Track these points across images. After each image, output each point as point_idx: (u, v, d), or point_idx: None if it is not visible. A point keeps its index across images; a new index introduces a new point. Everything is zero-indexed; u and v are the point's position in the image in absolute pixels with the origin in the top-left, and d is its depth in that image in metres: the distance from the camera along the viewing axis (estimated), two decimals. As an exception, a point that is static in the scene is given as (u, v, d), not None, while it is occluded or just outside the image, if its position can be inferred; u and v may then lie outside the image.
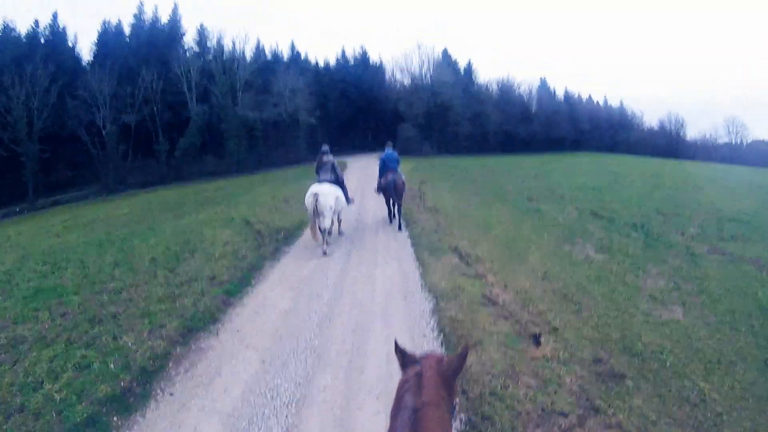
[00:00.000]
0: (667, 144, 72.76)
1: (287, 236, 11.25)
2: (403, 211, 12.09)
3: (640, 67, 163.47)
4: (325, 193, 9.39)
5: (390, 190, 11.24)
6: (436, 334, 5.96)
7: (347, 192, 10.88)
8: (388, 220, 12.31)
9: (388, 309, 6.81)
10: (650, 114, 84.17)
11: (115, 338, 5.68)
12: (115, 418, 4.25)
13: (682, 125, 77.14)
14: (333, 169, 10.46)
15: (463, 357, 1.85)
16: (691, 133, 78.73)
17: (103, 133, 35.80)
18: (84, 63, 41.06)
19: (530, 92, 67.48)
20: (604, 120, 74.21)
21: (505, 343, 5.62)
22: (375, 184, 12.30)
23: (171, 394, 4.65)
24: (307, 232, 10.39)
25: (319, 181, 10.09)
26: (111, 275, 8.47)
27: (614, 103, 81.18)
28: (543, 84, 70.00)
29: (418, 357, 1.87)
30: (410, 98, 53.61)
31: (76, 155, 36.44)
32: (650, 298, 7.56)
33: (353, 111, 55.66)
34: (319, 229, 9.56)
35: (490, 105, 59.14)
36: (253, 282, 8.18)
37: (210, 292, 7.42)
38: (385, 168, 11.62)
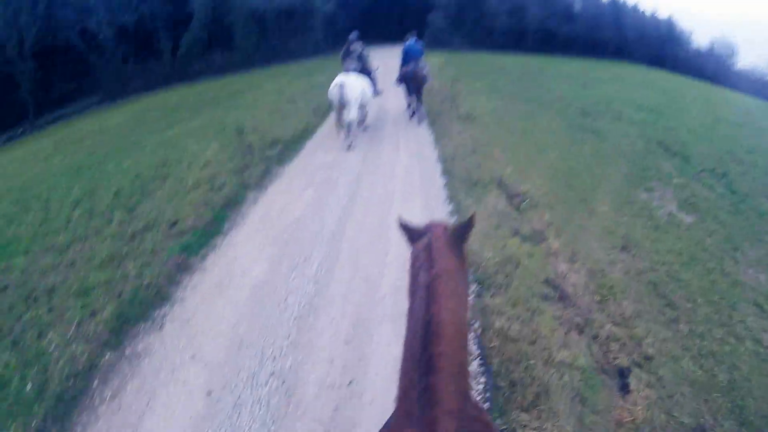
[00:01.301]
0: (715, 69, 65.94)
1: (282, 152, 8.94)
2: (432, 118, 10.90)
3: None
4: (351, 83, 8.70)
5: (411, 80, 10.42)
6: (478, 367, 3.63)
7: (376, 83, 10.35)
8: (408, 116, 11.25)
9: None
10: (699, 35, 75.43)
11: (40, 335, 4.34)
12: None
13: (733, 52, 70.41)
14: (361, 58, 9.97)
15: (470, 224, 1.72)
16: (742, 63, 71.92)
17: (99, 38, 32.29)
18: None
19: None
20: (651, 31, 66.48)
21: (579, 392, 3.43)
22: (396, 76, 11.22)
23: None
24: (310, 144, 9.51)
25: (345, 71, 9.41)
26: (67, 219, 7.04)
27: (663, 15, 73.06)
28: None
29: (422, 229, 1.78)
30: (441, -17, 47.90)
31: (74, 66, 33.12)
32: (756, 307, 5.13)
33: (376, -3, 50.30)
34: (344, 121, 8.86)
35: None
36: (224, 228, 6.02)
37: (164, 249, 5.49)
38: (407, 58, 10.74)
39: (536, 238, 5.43)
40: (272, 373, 3.57)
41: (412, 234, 1.81)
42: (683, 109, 20.91)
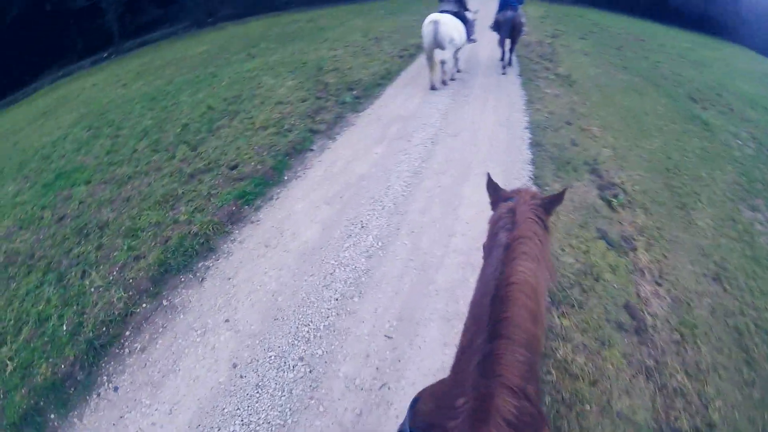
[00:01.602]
0: None
1: (359, 97, 8.33)
2: (526, 76, 10.00)
3: None
4: (446, 22, 8.14)
5: (507, 28, 9.82)
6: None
7: (472, 29, 9.55)
8: (500, 66, 10.55)
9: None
10: None
11: (83, 274, 4.27)
12: (52, 416, 3.11)
13: None
14: (458, 1, 9.24)
15: (560, 197, 1.70)
16: None
17: None
18: None
19: None
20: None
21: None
22: (491, 23, 10.64)
23: (115, 389, 3.19)
24: (389, 90, 8.83)
25: (440, 11, 8.75)
26: (132, 151, 7.06)
27: None
28: None
29: (510, 192, 1.78)
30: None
31: None
32: None
33: (478, -66, 47.27)
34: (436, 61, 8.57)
35: None
36: (284, 178, 5.61)
37: (220, 195, 5.19)
38: (505, 4, 10.05)
39: (624, 246, 4.59)
40: (301, 358, 3.21)
41: (498, 195, 1.78)
42: None
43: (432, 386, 1.38)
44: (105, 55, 28.82)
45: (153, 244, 4.49)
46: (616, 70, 13.39)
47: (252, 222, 4.73)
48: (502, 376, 1.13)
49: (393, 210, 4.74)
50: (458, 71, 10.07)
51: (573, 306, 3.66)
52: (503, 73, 10.18)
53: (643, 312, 3.82)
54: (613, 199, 5.30)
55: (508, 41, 10.19)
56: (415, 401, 1.37)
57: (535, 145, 6.42)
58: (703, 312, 4.06)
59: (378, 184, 5.26)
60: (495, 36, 10.55)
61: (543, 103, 8.21)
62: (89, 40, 30.67)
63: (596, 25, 25.79)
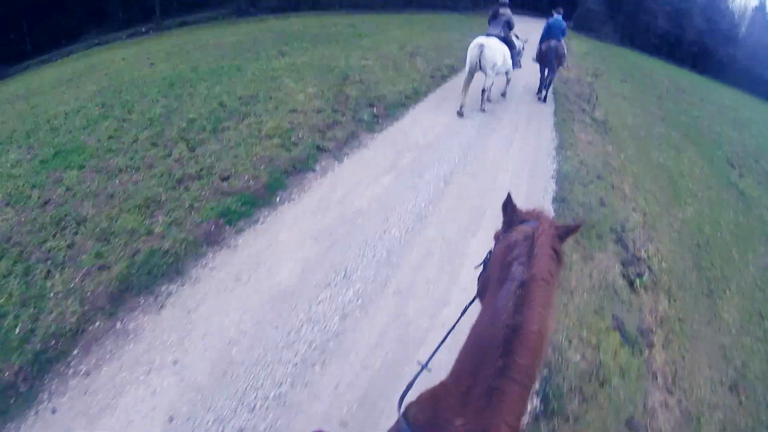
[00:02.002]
0: None
1: (378, 116, 7.84)
2: (561, 116, 9.72)
3: None
4: (492, 47, 8.20)
5: (550, 59, 10.03)
6: None
7: (517, 55, 9.75)
8: (537, 95, 10.72)
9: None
10: None
11: (48, 274, 3.85)
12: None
13: None
14: (507, 25, 9.31)
15: (577, 227, 1.56)
16: None
17: None
18: None
19: (744, 11, 51.87)
20: None
21: None
22: (534, 52, 10.91)
23: (53, 411, 2.85)
24: (412, 112, 8.45)
25: (487, 35, 8.89)
26: (133, 140, 6.59)
27: None
28: (761, 7, 53.79)
29: (526, 214, 1.60)
30: (606, -39, 43.44)
31: None
32: None
33: (534, -39, 46.77)
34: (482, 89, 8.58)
35: (696, 6, 46.63)
36: (276, 200, 5.10)
37: (203, 208, 4.76)
38: (548, 34, 10.38)
39: (640, 342, 4.02)
40: (241, 430, 2.75)
41: (513, 216, 1.65)
42: None
43: (432, 390, 1.33)
44: (144, 29, 28.45)
45: (121, 254, 4.06)
46: (655, 120, 12.84)
47: (229, 247, 4.27)
48: (504, 415, 1.13)
49: (384, 260, 4.20)
50: (502, 95, 10.04)
51: (568, 419, 3.09)
52: (543, 101, 10.35)
53: (647, 430, 3.27)
54: (637, 279, 4.74)
55: (547, 71, 10.31)
56: (405, 404, 1.36)
57: (559, 200, 5.89)
58: (674, 415, 3.56)
59: (375, 224, 4.73)
60: (535, 67, 10.64)
61: (575, 150, 7.69)
62: (131, 12, 30.47)
63: (638, 69, 25.31)
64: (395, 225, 4.72)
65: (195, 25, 28.69)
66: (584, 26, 39.30)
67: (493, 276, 1.48)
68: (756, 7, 52.45)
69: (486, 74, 8.25)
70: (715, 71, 47.54)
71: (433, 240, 4.57)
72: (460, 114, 8.35)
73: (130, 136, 6.72)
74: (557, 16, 10.58)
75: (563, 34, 10.39)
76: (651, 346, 4.02)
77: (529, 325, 1.23)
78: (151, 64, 13.55)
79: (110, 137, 6.79)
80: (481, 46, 8.06)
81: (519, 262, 1.38)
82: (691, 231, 6.71)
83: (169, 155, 5.97)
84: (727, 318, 5.12)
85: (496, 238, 1.67)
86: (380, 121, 7.59)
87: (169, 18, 30.56)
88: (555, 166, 6.92)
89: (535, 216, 1.58)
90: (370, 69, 10.82)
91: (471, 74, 8.30)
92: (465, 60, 8.39)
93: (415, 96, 9.06)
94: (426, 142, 6.91)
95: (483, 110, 8.71)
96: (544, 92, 10.51)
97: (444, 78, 10.97)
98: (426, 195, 5.41)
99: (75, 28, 27.12)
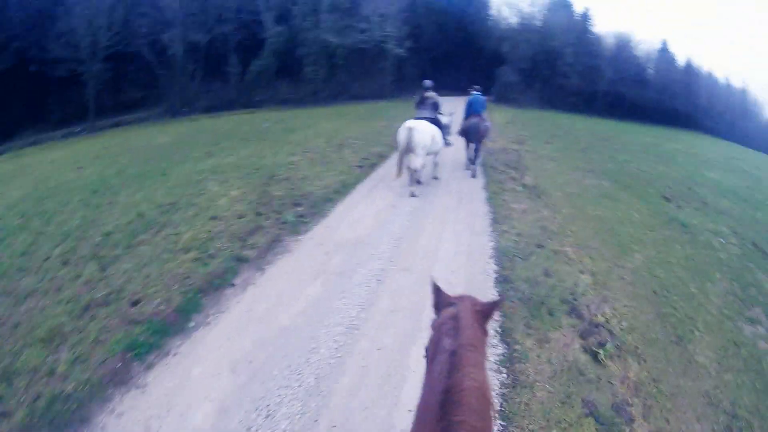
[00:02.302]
0: None
1: (304, 215, 7.44)
2: (492, 188, 9.73)
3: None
4: (421, 129, 8.49)
5: (472, 133, 10.50)
6: None
7: (447, 133, 10.08)
8: (467, 170, 11.00)
9: None
10: None
11: None
12: None
13: None
14: (434, 107, 9.71)
15: (497, 303, 1.85)
16: None
17: (170, 52, 32.63)
18: None
19: (648, 54, 57.17)
20: (723, 102, 62.53)
21: None
22: (457, 128, 11.31)
23: None
24: (340, 207, 8.08)
25: (417, 118, 9.18)
26: (45, 257, 6.25)
27: (737, 84, 68.14)
28: (663, 48, 58.78)
29: (452, 298, 1.84)
30: (516, 38, 46.95)
31: (143, 75, 33.93)
32: None
33: (449, 46, 49.66)
34: (408, 167, 8.71)
35: (603, 60, 50.47)
36: (191, 324, 4.52)
37: (110, 341, 4.21)
38: (470, 111, 10.93)
39: (617, 420, 3.63)
40: None
41: (441, 300, 1.85)
42: (766, 192, 18.77)
43: None
44: (78, 129, 28.57)
45: (23, 398, 3.51)
46: (584, 174, 13.17)
47: (138, 387, 3.66)
48: None
49: (313, 388, 3.61)
50: (435, 178, 10.10)
51: None
52: (472, 176, 10.50)
53: None
54: (600, 350, 4.39)
55: (473, 146, 10.64)
56: None
57: (501, 281, 5.54)
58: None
59: (301, 343, 4.17)
60: (461, 141, 11.02)
61: (510, 223, 7.54)
62: (66, 111, 30.43)
63: (560, 128, 26.53)
64: (324, 342, 4.17)
65: (129, 125, 28.87)
66: (504, 98, 41.60)
67: (429, 355, 1.63)
68: (659, 49, 57.60)
69: (417, 155, 8.40)
70: (630, 114, 50.87)
71: (367, 354, 4.04)
72: (413, 195, 8.58)
73: (42, 253, 6.39)
74: (476, 93, 11.24)
75: (483, 108, 10.97)
76: (631, 420, 3.64)
77: (462, 383, 1.34)
78: (79, 168, 13.26)
79: (23, 253, 6.47)
80: (411, 129, 8.30)
81: (447, 335, 1.56)
82: (643, 279, 6.56)
83: (79, 276, 5.49)
84: (702, 361, 4.87)
85: (432, 327, 1.77)
86: (306, 220, 7.20)
87: (103, 118, 30.51)
88: (492, 243, 6.66)
89: (460, 299, 1.78)
90: (298, 165, 10.67)
91: (403, 154, 8.51)
92: (395, 144, 8.68)
93: (343, 189, 8.83)
94: (355, 238, 6.53)
95: (413, 195, 8.70)
96: (473, 167, 10.77)
97: (373, 166, 10.92)
98: (357, 300, 4.92)
99: (12, 126, 27.20)
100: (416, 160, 8.45)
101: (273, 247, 6.16)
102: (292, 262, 5.79)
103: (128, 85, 35.29)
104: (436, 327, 1.73)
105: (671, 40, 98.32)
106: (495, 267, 5.88)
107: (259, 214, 7.36)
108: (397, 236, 6.65)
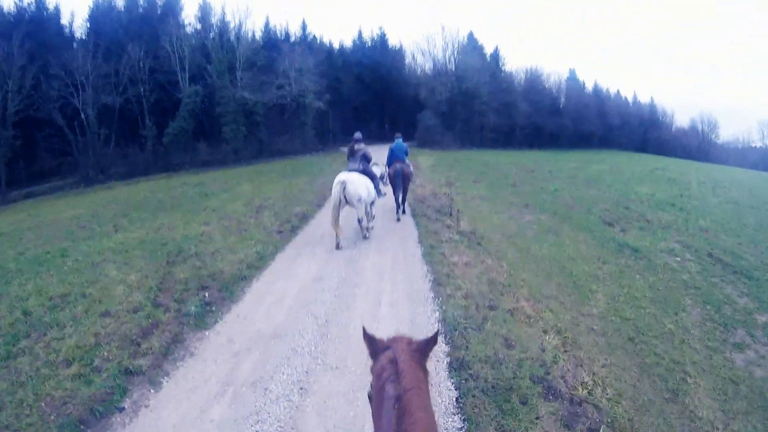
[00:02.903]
0: (698, 146, 69.63)
1: (210, 303, 6.20)
2: (428, 242, 8.92)
3: (672, 66, 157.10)
4: (354, 181, 8.54)
5: (398, 179, 10.62)
6: None
7: (378, 184, 9.98)
8: (396, 216, 10.94)
9: None
10: (680, 114, 79.17)
11: None
12: None
13: (714, 126, 73.76)
14: (365, 158, 9.67)
15: (433, 340, 1.81)
16: (724, 135, 75.46)
17: (82, 116, 31.05)
18: (71, 40, 36.34)
19: (559, 84, 61.63)
20: (633, 117, 68.97)
21: None
22: (383, 175, 11.29)
23: None
24: (256, 285, 6.97)
25: (348, 170, 9.24)
26: None
27: (644, 99, 75.90)
28: (572, 76, 63.80)
29: (387, 342, 1.81)
30: (432, 83, 48.34)
31: (56, 142, 31.91)
32: None
33: (369, 96, 50.46)
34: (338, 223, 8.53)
35: (518, 95, 53.31)
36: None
37: None
38: (393, 158, 11.15)
39: None
40: None
41: (375, 347, 1.81)
42: (700, 197, 19.75)
43: None
44: None
45: None
46: (520, 211, 12.88)
47: None
48: None
49: None
50: (370, 228, 9.76)
51: None
52: (398, 220, 10.66)
53: None
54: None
55: (399, 191, 10.69)
56: None
57: (457, 366, 4.52)
58: None
59: None
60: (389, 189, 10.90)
61: (454, 282, 6.65)
62: None
63: (485, 165, 26.83)
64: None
65: (42, 196, 27.37)
66: (427, 141, 42.41)
67: (375, 403, 1.63)
68: (567, 77, 62.12)
69: (354, 207, 8.50)
70: (549, 143, 54.02)
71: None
72: (338, 247, 8.41)
73: None
74: (398, 140, 11.50)
75: (406, 154, 11.30)
76: None
77: (413, 429, 1.35)
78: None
79: None
80: (344, 183, 8.31)
81: (389, 382, 1.54)
82: (614, 325, 6.07)
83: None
84: (705, 415, 4.35)
85: (372, 372, 1.73)
86: (214, 309, 6.01)
87: (15, 189, 28.97)
88: (438, 313, 5.74)
89: (394, 341, 1.76)
90: (210, 237, 9.56)
91: (337, 210, 8.33)
92: (327, 199, 8.91)
93: (259, 263, 7.74)
94: (272, 329, 5.40)
95: (365, 237, 9.01)
96: (400, 212, 10.89)
97: (294, 230, 10.00)
98: (274, 423, 3.79)
99: None
100: (359, 211, 8.65)
101: (172, 350, 4.96)
102: (195, 370, 4.61)
103: (42, 153, 33.21)
104: (377, 373, 1.67)
105: (578, 68, 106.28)
106: (445, 348, 4.90)
107: (157, 305, 6.16)
108: (323, 320, 5.59)
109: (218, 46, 34.98)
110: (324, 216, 11.12)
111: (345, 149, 10.51)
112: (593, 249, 9.57)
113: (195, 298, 6.31)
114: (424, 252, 8.11)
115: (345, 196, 8.34)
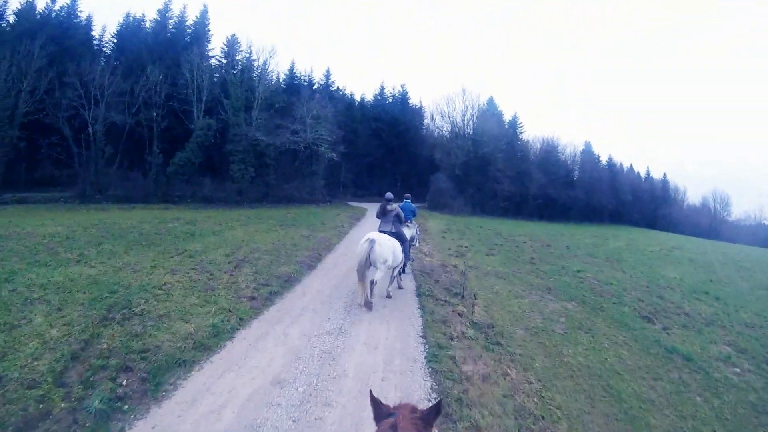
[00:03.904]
0: (710, 224, 69.49)
1: (125, 398, 4.39)
2: (433, 334, 7.07)
3: (685, 143, 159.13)
4: (383, 243, 8.03)
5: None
6: None
7: (408, 248, 9.67)
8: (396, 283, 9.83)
9: None
10: (692, 187, 79.22)
11: None
12: None
13: (727, 204, 74.19)
14: (398, 219, 9.41)
15: (437, 408, 1.77)
16: (735, 212, 75.51)
17: (90, 130, 29.72)
18: (96, 53, 35.78)
19: (574, 156, 61.25)
20: (645, 192, 68.51)
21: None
22: (414, 238, 11.26)
23: None
24: (208, 370, 5.20)
25: (380, 231, 8.97)
26: None
27: (656, 175, 76.15)
28: (587, 148, 63.61)
29: (392, 408, 1.81)
30: (449, 146, 47.67)
31: (60, 152, 30.77)
32: None
33: (384, 152, 49.95)
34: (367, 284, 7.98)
35: (533, 164, 52.73)
36: None
37: None
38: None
39: None
40: None
41: (380, 411, 1.78)
42: (729, 283, 18.32)
43: None
44: None
45: None
46: (542, 296, 11.16)
47: None
48: None
49: None
50: (399, 287, 9.59)
51: None
52: (399, 287, 9.79)
53: None
54: None
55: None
56: None
57: None
58: None
59: None
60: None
61: (469, 416, 4.66)
62: None
63: (499, 236, 25.16)
64: None
65: (34, 204, 25.82)
66: (438, 204, 41.10)
67: None
68: (583, 150, 61.37)
69: (377, 269, 7.91)
70: (560, 215, 52.55)
71: None
72: (368, 305, 7.93)
73: None
74: (407, 201, 11.42)
75: (414, 215, 11.31)
76: None
77: None
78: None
79: None
80: (372, 242, 7.87)
81: None
82: None
83: None
84: None
85: None
86: (126, 408, 4.20)
87: (9, 192, 27.29)
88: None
89: (398, 408, 1.76)
90: (169, 292, 7.78)
91: (363, 269, 7.82)
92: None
93: (210, 342, 5.87)
94: None
95: (369, 304, 8.04)
96: (398, 277, 9.92)
97: (271, 297, 8.13)
98: None
99: None
100: (377, 273, 7.96)
101: None
102: None
103: (44, 160, 32.24)
104: None
105: (593, 140, 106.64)
106: None
107: (61, 384, 4.43)
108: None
109: (238, 82, 34.03)
110: (312, 282, 9.57)
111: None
112: (637, 356, 7.77)
113: (108, 384, 4.51)
114: (429, 354, 6.13)
115: (371, 256, 7.80)
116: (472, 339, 6.89)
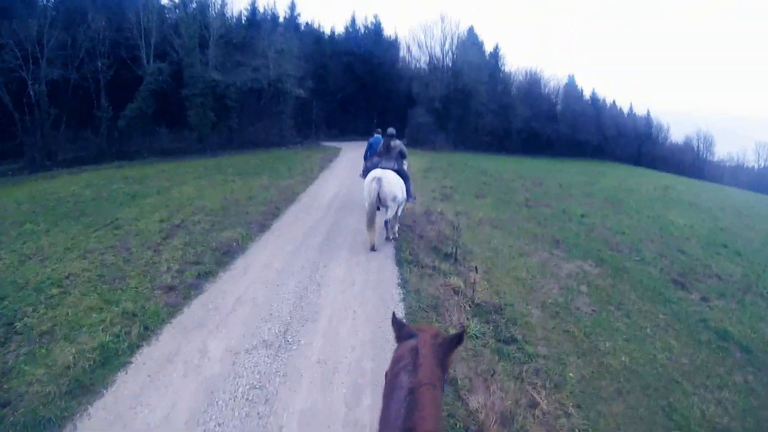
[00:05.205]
0: (693, 162, 68.65)
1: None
2: (426, 304, 5.77)
3: (670, 79, 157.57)
4: (391, 180, 7.80)
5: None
6: None
7: (410, 187, 8.97)
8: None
9: None
10: (675, 128, 78.60)
11: None
12: None
13: (710, 144, 73.18)
14: (401, 155, 8.86)
15: (459, 338, 1.70)
16: (718, 153, 74.62)
17: (31, 92, 26.30)
18: (31, 4, 31.09)
19: (558, 89, 58.82)
20: (629, 128, 67.14)
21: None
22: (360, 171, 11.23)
23: None
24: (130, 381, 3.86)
25: (382, 168, 8.31)
26: None
27: (640, 111, 74.09)
28: (571, 82, 60.82)
29: (413, 330, 1.73)
30: (427, 78, 44.81)
31: (2, 122, 27.23)
32: None
33: (357, 88, 46.63)
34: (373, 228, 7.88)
35: (516, 98, 50.43)
36: None
37: None
38: (371, 151, 10.84)
39: None
40: None
41: (401, 332, 1.75)
42: (737, 232, 16.98)
43: None
44: None
45: None
46: (551, 251, 9.44)
47: None
48: None
49: None
50: (392, 238, 8.75)
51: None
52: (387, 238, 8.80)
53: None
54: None
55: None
56: None
57: None
58: None
59: None
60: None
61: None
62: None
63: (485, 173, 23.35)
64: None
65: None
66: (419, 140, 38.99)
67: (386, 387, 1.53)
68: (566, 83, 59.49)
69: (387, 207, 7.82)
70: (544, 150, 51.75)
71: None
72: (373, 249, 7.84)
73: None
74: (377, 135, 11.39)
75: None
76: None
77: (421, 426, 1.28)
78: None
79: None
80: (379, 180, 7.66)
81: (405, 371, 1.47)
82: None
83: None
84: None
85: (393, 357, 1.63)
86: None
87: None
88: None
89: (420, 331, 1.68)
90: (68, 288, 5.79)
91: (372, 211, 7.73)
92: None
93: (97, 374, 3.89)
94: None
95: (389, 239, 8.47)
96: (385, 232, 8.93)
97: (198, 284, 6.03)
98: None
99: None
100: (389, 212, 7.91)
101: None
102: None
103: None
104: (395, 359, 1.59)
105: (577, 74, 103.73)
106: None
107: None
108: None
109: (190, 19, 30.57)
110: (260, 252, 7.68)
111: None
112: (689, 347, 6.03)
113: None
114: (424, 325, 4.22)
115: (380, 195, 7.61)
116: (477, 337, 5.03)
